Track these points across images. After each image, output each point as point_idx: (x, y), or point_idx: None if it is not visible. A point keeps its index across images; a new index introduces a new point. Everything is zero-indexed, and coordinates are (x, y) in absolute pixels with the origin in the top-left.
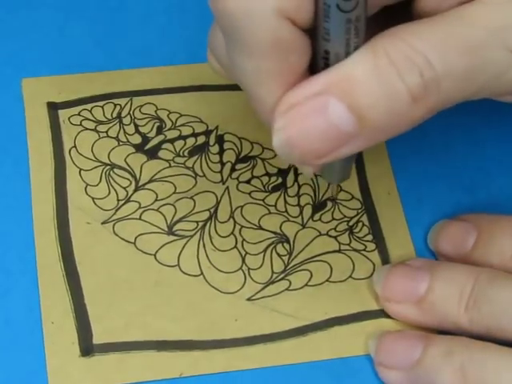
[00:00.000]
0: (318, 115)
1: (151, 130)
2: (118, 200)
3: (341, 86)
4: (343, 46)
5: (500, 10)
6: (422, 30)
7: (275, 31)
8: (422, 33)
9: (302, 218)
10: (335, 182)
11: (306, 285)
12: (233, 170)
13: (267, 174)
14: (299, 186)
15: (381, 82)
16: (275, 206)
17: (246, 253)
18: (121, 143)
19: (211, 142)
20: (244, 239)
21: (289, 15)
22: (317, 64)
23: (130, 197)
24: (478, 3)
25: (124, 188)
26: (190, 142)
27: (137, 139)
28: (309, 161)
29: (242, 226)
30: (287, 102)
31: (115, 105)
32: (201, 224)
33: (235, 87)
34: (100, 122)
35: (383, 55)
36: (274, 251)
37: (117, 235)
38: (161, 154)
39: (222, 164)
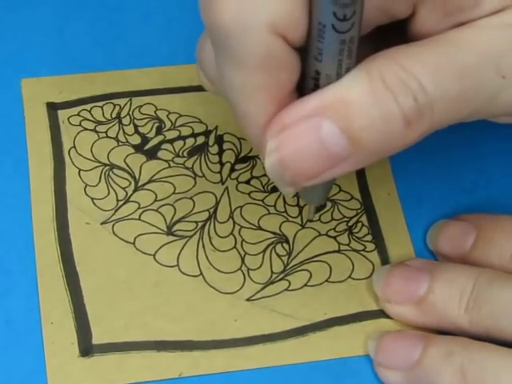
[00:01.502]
0: (312, 137)
1: (151, 130)
2: (118, 200)
3: (335, 107)
4: (335, 67)
5: (493, 35)
6: (416, 54)
7: (267, 46)
8: (417, 56)
9: (302, 219)
10: (314, 204)
11: (306, 285)
12: (232, 170)
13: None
14: None
15: (376, 105)
16: (274, 206)
17: (246, 253)
18: (120, 143)
19: (210, 143)
20: (243, 239)
21: (281, 32)
22: (306, 84)
23: (129, 197)
24: (472, 27)
25: (123, 188)
26: (190, 142)
27: (136, 139)
28: (299, 182)
29: (242, 227)
30: (280, 122)
31: (115, 105)
32: (200, 224)
33: None
34: (99, 123)
35: (378, 78)
36: (273, 251)
37: (116, 235)
38: (160, 154)
39: (222, 164)
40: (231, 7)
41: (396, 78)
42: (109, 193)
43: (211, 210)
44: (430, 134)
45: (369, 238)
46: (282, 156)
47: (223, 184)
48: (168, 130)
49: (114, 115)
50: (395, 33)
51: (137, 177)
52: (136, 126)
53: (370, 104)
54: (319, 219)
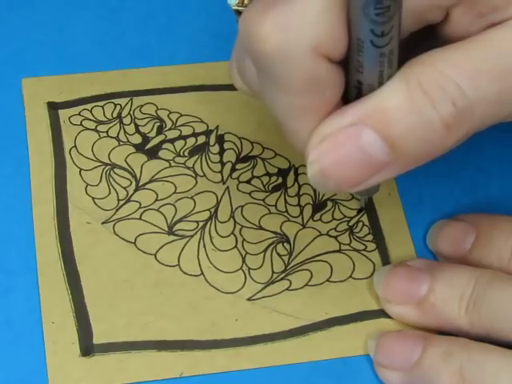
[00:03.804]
0: (352, 146)
1: (151, 129)
2: (119, 200)
3: (375, 116)
4: (376, 78)
5: None
6: (452, 57)
7: (312, 69)
8: (453, 60)
9: (303, 218)
10: (366, 196)
11: (307, 285)
12: (233, 169)
13: (267, 173)
14: (299, 186)
15: (414, 112)
16: (275, 205)
17: (247, 253)
18: (121, 143)
19: (211, 142)
20: (244, 239)
21: (324, 53)
22: (349, 93)
23: (130, 197)
24: (505, 27)
25: (124, 188)
26: (191, 141)
27: (137, 139)
28: (344, 190)
29: (243, 226)
30: (321, 133)
31: (115, 105)
32: (201, 224)
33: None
34: (100, 122)
35: (416, 85)
36: (274, 251)
37: (117, 235)
38: (161, 153)
39: (223, 164)
40: (275, 36)
41: (434, 84)
42: (110, 192)
43: (212, 210)
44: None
45: (369, 237)
46: (322, 166)
47: (224, 183)
48: (169, 129)
49: (114, 115)
50: (427, 34)
51: (138, 176)
52: (137, 126)
53: (408, 111)
54: (320, 219)
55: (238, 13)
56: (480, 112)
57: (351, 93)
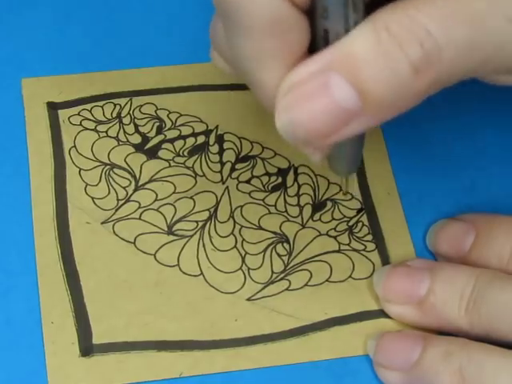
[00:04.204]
0: (321, 93)
1: (151, 129)
2: (118, 200)
3: (342, 62)
4: (342, 24)
5: None
6: (421, 3)
7: (274, 10)
8: (422, 5)
9: (302, 218)
10: (344, 173)
11: (306, 285)
12: (233, 169)
13: (267, 173)
14: (299, 186)
15: (382, 55)
16: (275, 205)
17: (246, 253)
18: (120, 143)
19: (211, 142)
20: (244, 239)
21: None
22: (317, 45)
23: (129, 196)
24: None
25: (124, 188)
26: (190, 141)
27: (137, 139)
28: (314, 141)
29: (242, 226)
30: (289, 81)
31: (115, 105)
32: (201, 224)
33: (235, 87)
34: (100, 122)
35: (383, 28)
36: (273, 251)
37: (117, 235)
38: (161, 153)
39: (222, 164)
40: None
41: (401, 27)
42: (109, 192)
43: (212, 210)
44: (441, 88)
45: (369, 237)
46: (291, 115)
47: (224, 183)
48: (168, 129)
49: (114, 115)
50: None
51: (137, 176)
52: (136, 126)
53: (375, 54)
54: (319, 219)
55: None
56: (449, 56)
57: (319, 45)
